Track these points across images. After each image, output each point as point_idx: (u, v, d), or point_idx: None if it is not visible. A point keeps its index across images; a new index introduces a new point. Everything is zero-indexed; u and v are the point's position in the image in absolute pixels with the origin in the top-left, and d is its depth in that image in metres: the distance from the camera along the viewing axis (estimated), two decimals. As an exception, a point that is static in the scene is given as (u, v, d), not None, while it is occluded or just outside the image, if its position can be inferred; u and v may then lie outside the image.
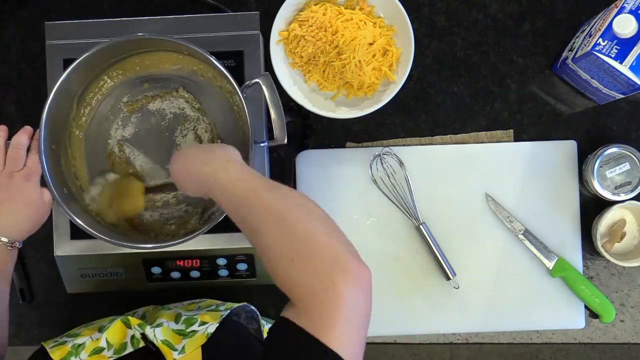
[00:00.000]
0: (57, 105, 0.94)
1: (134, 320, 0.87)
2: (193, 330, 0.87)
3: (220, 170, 0.80)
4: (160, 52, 0.99)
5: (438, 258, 1.05)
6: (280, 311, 1.08)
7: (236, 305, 0.94)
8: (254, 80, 0.94)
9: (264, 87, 0.94)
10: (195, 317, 0.91)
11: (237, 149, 0.85)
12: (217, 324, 0.87)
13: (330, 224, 0.74)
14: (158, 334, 0.85)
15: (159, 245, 0.93)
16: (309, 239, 0.71)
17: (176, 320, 0.91)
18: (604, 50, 0.92)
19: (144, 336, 0.86)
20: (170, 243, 0.92)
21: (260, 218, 0.74)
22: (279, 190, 0.76)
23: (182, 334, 0.86)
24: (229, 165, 0.80)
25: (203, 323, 0.88)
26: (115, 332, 0.87)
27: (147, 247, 0.94)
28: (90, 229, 0.93)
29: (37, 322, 1.10)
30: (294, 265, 0.70)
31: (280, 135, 0.93)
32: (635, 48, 0.91)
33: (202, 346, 0.84)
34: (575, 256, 1.06)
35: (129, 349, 0.86)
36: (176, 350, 0.83)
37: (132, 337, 0.87)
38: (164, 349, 0.83)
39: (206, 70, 0.99)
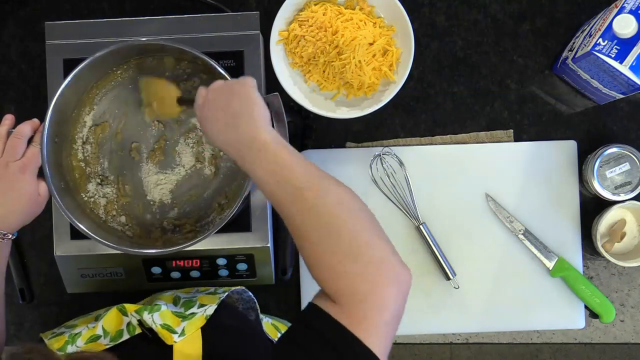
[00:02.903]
0: (64, 99, 0.94)
1: (130, 307, 0.87)
2: (192, 313, 0.87)
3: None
4: (172, 58, 0.99)
5: (438, 258, 1.05)
6: (280, 311, 1.09)
7: (233, 288, 0.95)
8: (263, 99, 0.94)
9: (270, 107, 0.93)
10: (194, 299, 0.91)
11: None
12: (216, 306, 0.87)
13: (375, 222, 0.74)
14: (156, 319, 0.84)
15: (153, 252, 0.94)
16: (356, 239, 0.70)
17: (175, 303, 0.91)
18: (604, 50, 0.92)
19: (140, 323, 0.85)
20: (169, 250, 0.93)
21: (304, 215, 0.73)
22: (324, 185, 0.74)
23: (182, 317, 0.86)
24: (267, 152, 0.77)
25: (202, 305, 0.88)
26: (111, 319, 0.87)
27: (134, 252, 0.94)
28: (82, 226, 0.93)
29: (37, 322, 1.10)
30: (340, 265, 0.70)
31: None
32: (635, 48, 0.91)
33: (202, 328, 0.84)
34: (575, 256, 1.06)
35: (125, 336, 0.86)
36: (176, 333, 0.83)
37: (129, 324, 0.86)
38: (164, 333, 0.83)
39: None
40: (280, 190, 0.75)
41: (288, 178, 0.74)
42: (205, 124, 0.83)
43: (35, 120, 0.93)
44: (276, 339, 0.93)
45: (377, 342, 0.67)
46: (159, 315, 0.85)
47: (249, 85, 0.82)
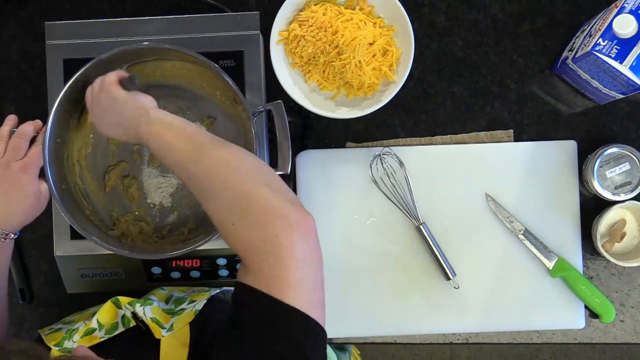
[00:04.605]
0: (67, 100, 0.94)
1: (123, 300, 0.87)
2: (182, 309, 0.87)
3: (148, 118, 0.81)
4: (173, 60, 0.99)
5: (438, 258, 1.05)
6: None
7: (226, 287, 0.94)
8: (266, 107, 0.94)
9: (275, 115, 0.93)
10: (186, 297, 0.91)
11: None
12: (205, 301, 0.87)
13: (263, 175, 0.73)
14: (147, 312, 0.85)
15: (152, 256, 0.94)
16: (243, 196, 0.70)
17: (167, 301, 0.92)
18: (604, 50, 0.92)
19: (134, 315, 0.86)
20: (168, 254, 0.93)
21: (193, 183, 0.75)
22: (204, 150, 0.76)
23: (171, 313, 0.86)
24: (155, 113, 0.81)
25: (192, 302, 0.88)
26: (106, 312, 0.87)
27: (134, 255, 0.94)
28: (82, 229, 0.93)
29: (37, 322, 1.10)
30: (236, 228, 0.69)
31: (284, 166, 0.93)
32: (635, 48, 0.91)
33: (190, 323, 0.84)
34: (575, 256, 1.06)
35: (120, 329, 0.86)
36: (164, 328, 0.83)
37: (123, 316, 0.87)
38: (153, 326, 0.83)
39: (216, 84, 0.99)
40: (172, 166, 0.78)
41: (173, 154, 0.77)
42: (102, 129, 0.89)
43: (38, 122, 0.93)
44: None
45: (296, 295, 0.66)
46: (150, 309, 0.85)
47: (105, 84, 0.86)
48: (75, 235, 1.00)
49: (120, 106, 0.84)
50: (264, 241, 0.68)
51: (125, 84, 0.87)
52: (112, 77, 0.86)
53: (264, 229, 0.68)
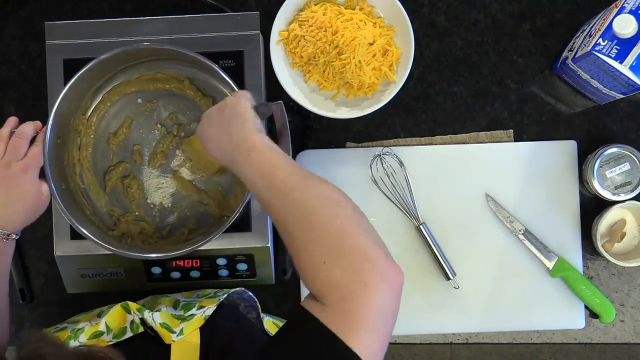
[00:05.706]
0: (67, 100, 0.94)
1: (133, 305, 0.87)
2: (191, 314, 0.87)
3: (249, 153, 0.78)
4: (171, 61, 0.99)
5: (438, 258, 1.05)
6: (280, 310, 1.09)
7: (233, 290, 0.95)
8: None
9: (275, 115, 0.93)
10: (194, 302, 0.91)
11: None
12: (215, 307, 0.87)
13: (363, 221, 0.72)
14: (156, 318, 0.85)
15: (152, 256, 0.94)
16: (341, 239, 0.69)
17: (174, 306, 0.92)
18: (604, 50, 0.92)
19: (142, 321, 0.86)
20: (168, 255, 0.93)
21: (288, 213, 0.72)
22: (308, 182, 0.74)
23: (181, 318, 0.86)
24: (255, 153, 0.78)
25: (201, 307, 0.88)
26: (115, 316, 0.87)
27: (134, 255, 0.94)
28: (83, 229, 0.93)
29: (37, 322, 1.10)
30: (327, 267, 0.68)
31: None
32: (635, 48, 0.91)
33: (200, 328, 0.84)
34: (575, 256, 1.06)
35: (129, 334, 0.86)
36: (174, 332, 0.83)
37: (132, 322, 0.87)
38: (162, 332, 0.83)
39: (214, 83, 0.99)
40: (267, 190, 0.75)
41: (274, 178, 0.75)
42: (203, 139, 0.86)
43: (38, 122, 0.93)
44: None
45: (362, 342, 0.64)
46: (160, 315, 0.85)
47: (239, 96, 0.84)
48: (75, 235, 1.00)
49: (235, 117, 0.81)
50: (352, 284, 0.66)
51: (261, 109, 0.85)
52: (246, 94, 0.84)
53: (356, 275, 0.66)
